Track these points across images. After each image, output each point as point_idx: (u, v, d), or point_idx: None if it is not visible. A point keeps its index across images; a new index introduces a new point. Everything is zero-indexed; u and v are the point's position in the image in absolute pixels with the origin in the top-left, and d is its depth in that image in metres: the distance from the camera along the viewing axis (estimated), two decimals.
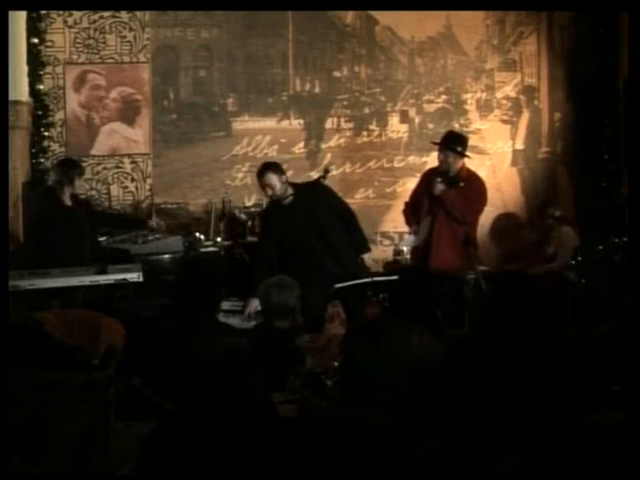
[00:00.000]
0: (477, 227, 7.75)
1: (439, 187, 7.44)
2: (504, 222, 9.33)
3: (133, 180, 8.94)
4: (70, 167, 7.69)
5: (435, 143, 7.88)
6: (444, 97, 9.60)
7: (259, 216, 7.71)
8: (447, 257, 7.32)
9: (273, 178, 7.24)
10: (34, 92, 8.49)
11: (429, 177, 7.69)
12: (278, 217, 7.28)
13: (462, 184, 7.44)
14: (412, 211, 7.80)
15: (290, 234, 7.23)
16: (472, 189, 7.56)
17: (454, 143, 7.61)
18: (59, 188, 7.59)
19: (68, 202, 7.59)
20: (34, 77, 8.48)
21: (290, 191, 7.27)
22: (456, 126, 9.40)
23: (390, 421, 3.35)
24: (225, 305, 6.41)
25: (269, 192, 7.27)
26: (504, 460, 2.93)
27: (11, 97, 7.28)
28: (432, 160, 9.18)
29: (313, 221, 7.23)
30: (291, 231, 7.22)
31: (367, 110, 9.47)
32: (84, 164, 8.71)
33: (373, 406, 3.46)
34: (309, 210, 7.24)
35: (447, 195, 7.42)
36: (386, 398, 3.54)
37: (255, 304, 6.54)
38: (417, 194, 7.79)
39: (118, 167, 8.92)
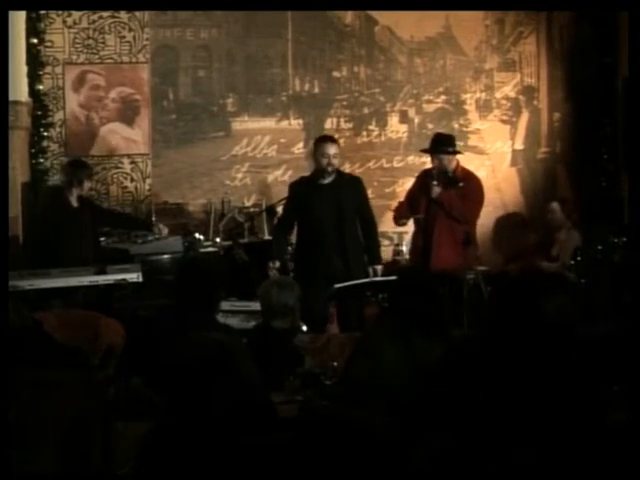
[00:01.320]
0: (476, 226, 7.72)
1: (436, 190, 7.38)
2: (506, 222, 9.32)
3: (132, 180, 8.95)
4: (79, 168, 7.69)
5: (425, 150, 7.82)
6: (443, 97, 9.60)
7: (289, 186, 7.71)
8: (448, 258, 7.29)
9: (336, 149, 7.30)
10: (33, 92, 8.49)
11: (425, 178, 7.65)
12: (310, 194, 7.30)
13: (461, 184, 7.41)
14: (407, 209, 7.73)
15: (313, 215, 7.26)
16: (469, 188, 7.53)
17: (444, 145, 7.56)
18: (66, 188, 7.59)
19: (75, 203, 7.59)
20: (33, 77, 8.49)
21: (333, 173, 7.32)
22: (455, 126, 9.42)
23: (392, 422, 3.35)
24: (225, 305, 6.41)
25: (325, 162, 7.24)
26: (504, 459, 2.93)
27: (10, 97, 7.26)
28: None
29: (338, 211, 7.26)
30: (316, 213, 7.26)
31: (366, 110, 9.47)
32: None
33: (383, 409, 3.46)
34: (340, 198, 7.27)
35: (445, 196, 7.39)
36: (401, 403, 3.55)
37: (276, 265, 7.21)
38: (413, 194, 7.76)
39: (117, 167, 8.92)
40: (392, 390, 3.60)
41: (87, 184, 7.67)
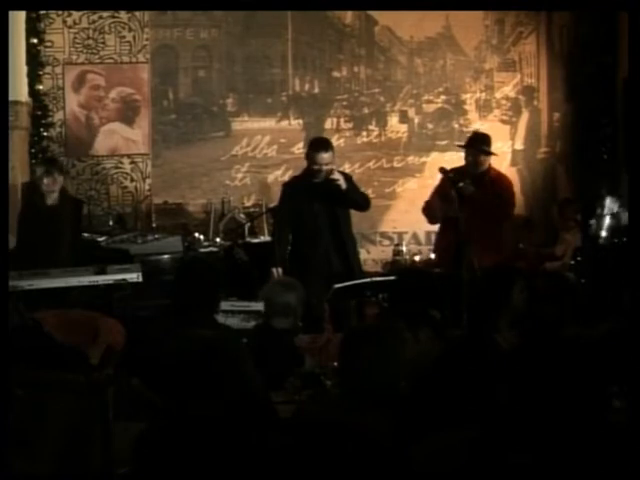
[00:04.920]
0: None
1: (469, 189, 7.15)
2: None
3: (132, 180, 8.95)
4: (49, 164, 7.68)
5: (462, 146, 7.64)
6: (443, 97, 9.61)
7: (282, 187, 7.62)
8: (485, 255, 7.11)
9: (329, 157, 7.15)
10: (33, 92, 8.50)
11: (452, 176, 7.44)
12: (303, 193, 7.21)
13: (469, 185, 7.28)
14: (440, 208, 7.49)
15: (307, 214, 7.21)
16: (503, 188, 7.44)
17: (483, 143, 7.46)
18: (37, 186, 7.58)
19: (49, 201, 7.52)
20: (33, 77, 8.49)
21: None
22: (455, 126, 9.42)
23: (389, 423, 3.35)
24: (224, 305, 6.41)
25: (316, 167, 7.13)
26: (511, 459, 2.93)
27: (10, 97, 7.25)
28: (432, 160, 9.22)
29: (331, 209, 7.21)
30: (309, 211, 7.20)
31: (366, 110, 9.48)
32: (83, 164, 8.74)
33: (371, 408, 3.46)
34: (333, 195, 7.17)
35: (478, 195, 7.20)
36: (383, 400, 3.55)
37: (279, 271, 7.05)
38: (444, 192, 7.38)
39: (117, 167, 8.92)
40: (390, 390, 3.60)
41: (60, 178, 7.56)
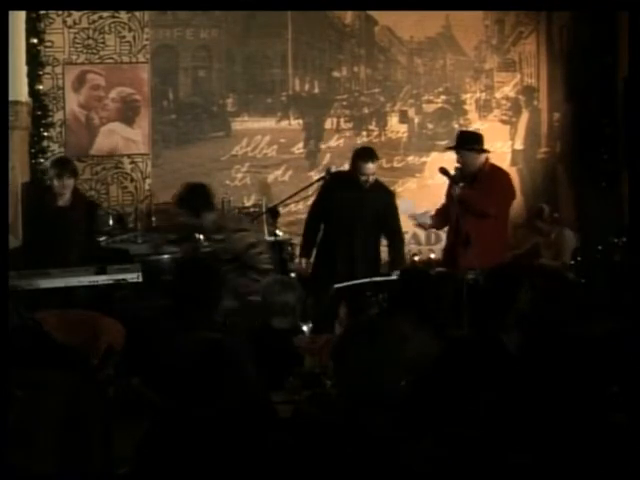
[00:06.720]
0: (507, 221, 7.61)
1: (456, 188, 7.26)
2: None
3: (132, 180, 8.94)
4: (62, 165, 7.67)
5: (450, 148, 7.66)
6: (443, 97, 9.61)
7: (322, 183, 7.86)
8: (482, 256, 7.13)
9: (375, 166, 7.46)
10: (33, 92, 8.48)
11: (455, 176, 7.46)
12: (347, 191, 7.41)
13: (462, 184, 7.32)
14: (440, 213, 7.61)
15: (347, 214, 7.38)
16: (492, 184, 7.41)
17: (470, 142, 7.44)
18: (47, 187, 7.59)
19: (61, 202, 7.53)
20: (33, 77, 8.48)
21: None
22: (455, 126, 9.41)
23: (386, 422, 3.35)
24: None
25: (363, 179, 7.40)
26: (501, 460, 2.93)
27: (10, 97, 7.24)
28: (432, 160, 9.22)
29: (369, 217, 7.42)
30: (350, 212, 7.38)
31: (366, 110, 9.48)
32: (83, 164, 8.73)
33: (367, 406, 3.45)
34: (374, 204, 7.44)
35: (463, 193, 7.22)
36: (380, 399, 3.55)
37: (304, 261, 7.48)
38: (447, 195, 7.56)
39: (117, 167, 8.92)
40: (387, 389, 3.60)
41: (69, 181, 7.57)
